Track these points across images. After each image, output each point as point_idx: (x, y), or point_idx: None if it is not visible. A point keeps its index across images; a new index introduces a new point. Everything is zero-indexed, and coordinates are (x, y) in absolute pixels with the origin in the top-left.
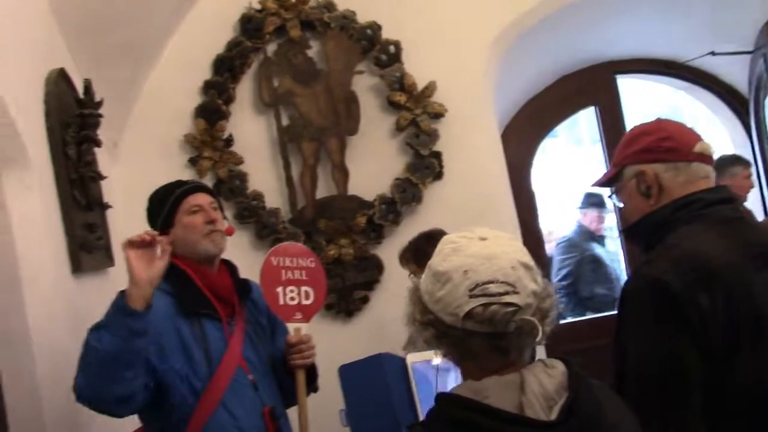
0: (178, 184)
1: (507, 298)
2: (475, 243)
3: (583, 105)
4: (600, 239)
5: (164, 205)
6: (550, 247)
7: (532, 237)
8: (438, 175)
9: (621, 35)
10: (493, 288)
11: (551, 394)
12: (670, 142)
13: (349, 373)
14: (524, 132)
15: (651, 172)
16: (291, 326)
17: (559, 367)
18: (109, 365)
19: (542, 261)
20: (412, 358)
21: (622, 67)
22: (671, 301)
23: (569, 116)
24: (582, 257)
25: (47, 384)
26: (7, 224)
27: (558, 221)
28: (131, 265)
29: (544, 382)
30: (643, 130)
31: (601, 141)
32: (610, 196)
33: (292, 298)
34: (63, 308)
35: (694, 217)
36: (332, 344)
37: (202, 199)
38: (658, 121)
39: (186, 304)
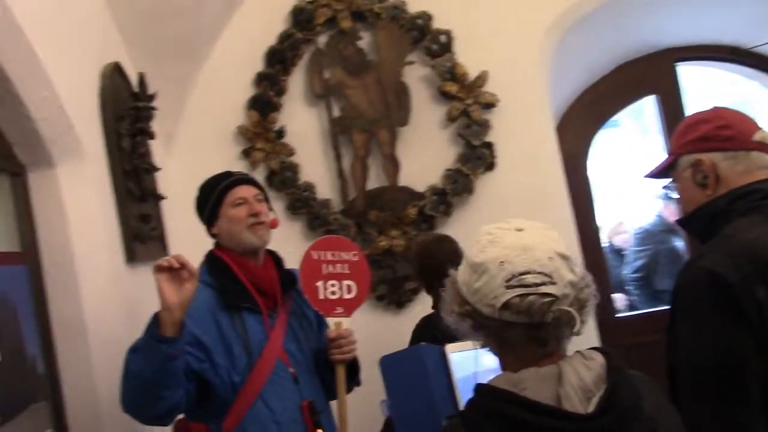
0: (225, 175)
1: (544, 289)
2: (511, 234)
3: (642, 94)
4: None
5: (209, 198)
6: (622, 238)
7: (587, 228)
8: (490, 166)
9: (681, 21)
10: (529, 279)
11: (589, 387)
12: (729, 131)
13: (390, 365)
14: (581, 122)
15: (708, 161)
16: (331, 321)
17: (598, 359)
18: (148, 387)
19: (597, 252)
20: (452, 349)
21: (682, 54)
22: (727, 294)
23: (628, 105)
24: (658, 249)
25: (102, 370)
26: (63, 215)
27: (629, 211)
28: (162, 289)
29: (582, 374)
30: (700, 117)
31: (662, 131)
32: (665, 188)
33: (333, 293)
34: (117, 297)
35: (751, 208)
36: (383, 335)
37: (246, 191)
38: (716, 108)
39: (227, 297)
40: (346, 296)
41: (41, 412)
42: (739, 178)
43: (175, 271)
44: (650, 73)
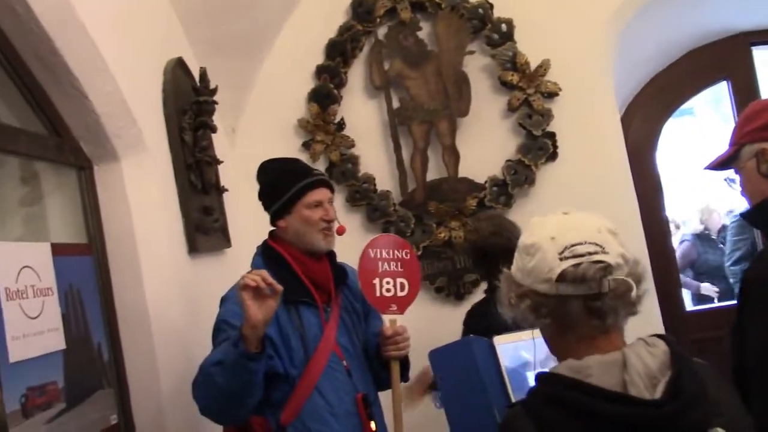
0: (301, 174)
1: (596, 257)
2: (559, 216)
3: (713, 80)
4: None
5: (284, 191)
6: (712, 222)
7: (655, 219)
8: (552, 156)
9: (755, 3)
10: (581, 248)
11: (654, 373)
12: None
13: (439, 358)
14: (648, 110)
15: None
16: (386, 318)
17: (661, 345)
18: (235, 398)
19: (665, 244)
20: (500, 341)
21: (758, 38)
22: None
23: (698, 93)
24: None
25: (164, 358)
26: (126, 207)
27: (716, 200)
28: (247, 308)
29: (646, 360)
30: (764, 105)
31: (734, 118)
32: (726, 179)
33: (388, 290)
34: (179, 287)
35: None
36: (442, 327)
37: (323, 194)
38: None
39: (285, 292)
40: (400, 294)
41: (107, 398)
42: None
43: (258, 288)
44: (723, 59)
